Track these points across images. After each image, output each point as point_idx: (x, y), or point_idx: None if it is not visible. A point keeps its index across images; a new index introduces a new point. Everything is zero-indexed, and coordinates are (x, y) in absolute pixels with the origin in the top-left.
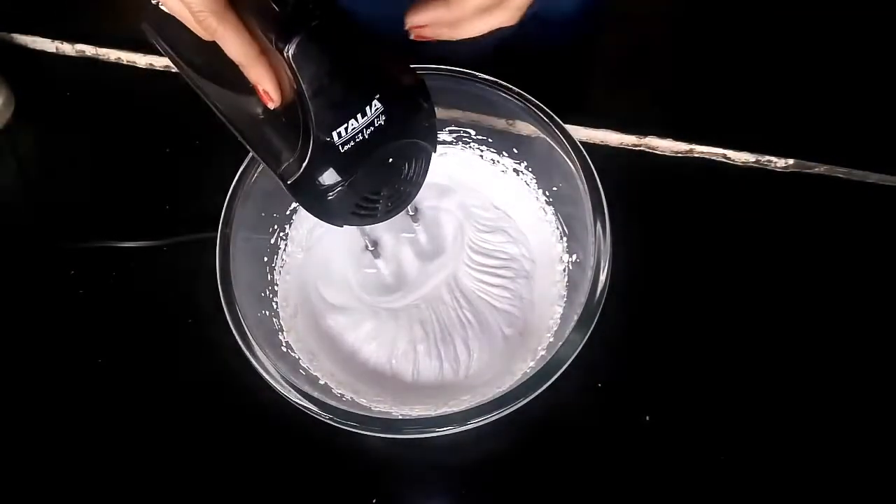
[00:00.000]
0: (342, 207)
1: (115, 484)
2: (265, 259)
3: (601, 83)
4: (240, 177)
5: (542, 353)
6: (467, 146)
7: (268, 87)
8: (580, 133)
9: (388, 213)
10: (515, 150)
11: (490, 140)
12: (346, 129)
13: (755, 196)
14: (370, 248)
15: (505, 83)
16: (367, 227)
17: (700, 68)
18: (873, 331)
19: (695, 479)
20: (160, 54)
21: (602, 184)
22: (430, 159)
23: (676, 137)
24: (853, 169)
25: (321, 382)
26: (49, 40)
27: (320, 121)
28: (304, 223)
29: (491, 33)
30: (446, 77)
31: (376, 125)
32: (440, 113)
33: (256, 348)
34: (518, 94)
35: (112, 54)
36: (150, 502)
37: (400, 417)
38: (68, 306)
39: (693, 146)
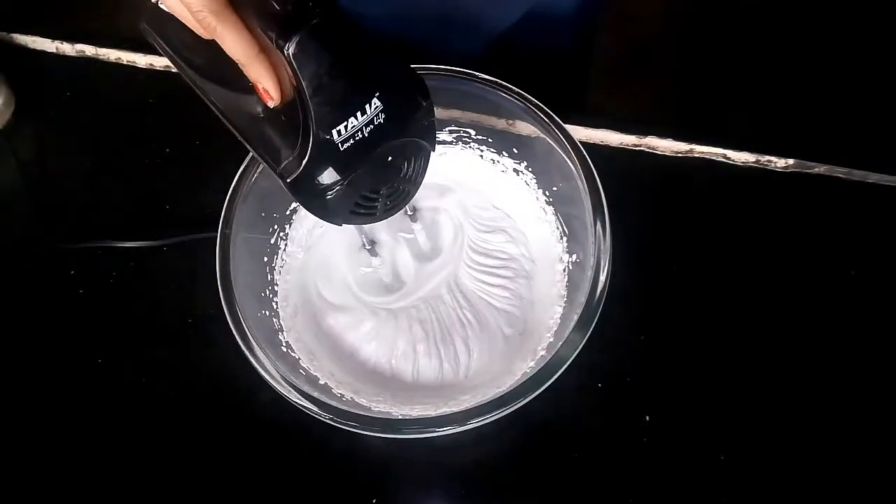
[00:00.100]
0: (341, 206)
1: (115, 484)
2: (265, 259)
3: (601, 83)
4: (240, 177)
5: (542, 353)
6: (467, 146)
7: (268, 86)
8: (580, 133)
9: (388, 212)
10: (515, 150)
11: (490, 140)
12: (346, 127)
13: (755, 196)
14: (368, 248)
15: (505, 83)
16: (367, 227)
17: (700, 68)
18: (873, 330)
19: (695, 479)
20: (160, 54)
21: (602, 184)
22: (429, 158)
23: (676, 137)
24: (853, 169)
25: (321, 382)
26: (49, 40)
27: (320, 119)
28: (304, 223)
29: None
30: (446, 77)
31: (376, 123)
32: (440, 113)
33: (256, 348)
34: (518, 94)
35: (112, 54)
36: (150, 502)
37: (400, 417)
38: (68, 306)
39: (693, 146)
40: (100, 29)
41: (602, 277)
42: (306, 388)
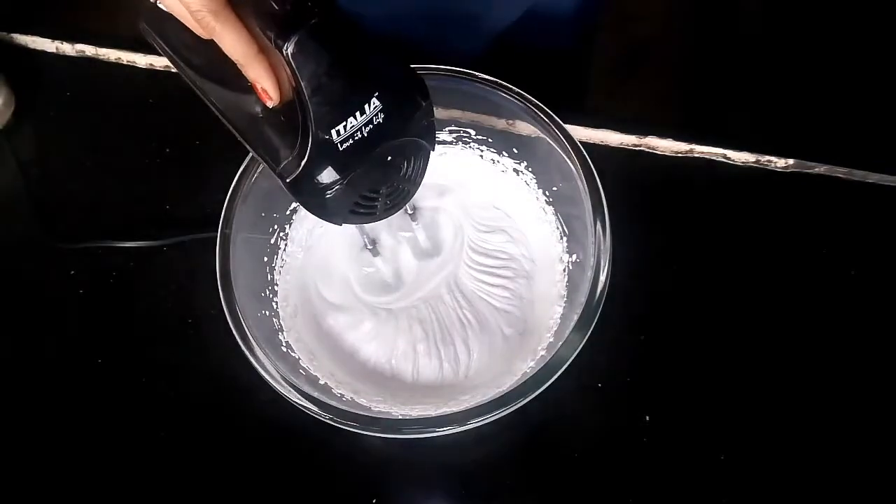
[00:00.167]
0: (341, 205)
1: (115, 484)
2: (265, 259)
3: (601, 83)
4: (240, 177)
5: (542, 353)
6: (467, 146)
7: (267, 86)
8: (580, 133)
9: (387, 212)
10: (515, 150)
11: (490, 140)
12: (345, 127)
13: (755, 196)
14: (369, 248)
15: (505, 83)
16: (367, 226)
17: (700, 68)
18: (873, 330)
19: (695, 479)
20: (160, 54)
21: (602, 184)
22: (428, 158)
23: (676, 137)
24: (853, 169)
25: (321, 382)
26: (49, 40)
27: (319, 119)
28: (304, 223)
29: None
30: (446, 77)
31: (375, 123)
32: (440, 113)
33: (256, 348)
34: (518, 94)
35: (112, 54)
36: (150, 502)
37: (400, 417)
38: (68, 306)
39: (693, 146)
40: (100, 29)
41: (602, 277)
42: (306, 388)
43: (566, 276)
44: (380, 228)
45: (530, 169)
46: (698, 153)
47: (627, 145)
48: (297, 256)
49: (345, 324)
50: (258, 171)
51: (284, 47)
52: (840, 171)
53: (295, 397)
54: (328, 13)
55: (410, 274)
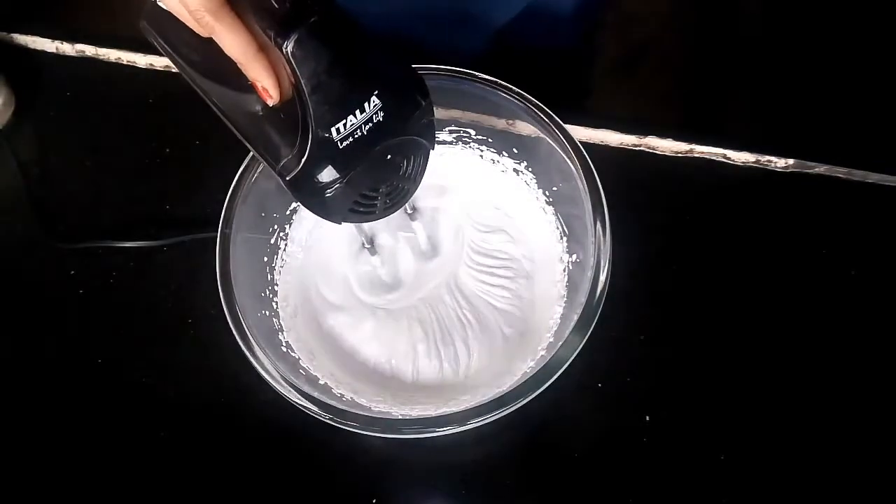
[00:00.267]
0: (340, 204)
1: (115, 484)
2: (265, 259)
3: (601, 83)
4: (240, 177)
5: (542, 353)
6: (467, 146)
7: (266, 84)
8: (580, 133)
9: (387, 211)
10: (515, 150)
11: (490, 140)
12: (345, 125)
13: (755, 196)
14: (366, 246)
15: (505, 83)
16: (366, 226)
17: (700, 68)
18: (873, 330)
19: (695, 479)
20: (160, 54)
21: (602, 184)
22: (428, 156)
23: (676, 137)
24: (853, 169)
25: (321, 382)
26: (49, 40)
27: (319, 117)
28: (304, 223)
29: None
30: (446, 77)
31: (375, 122)
32: (440, 113)
33: (256, 348)
34: (518, 94)
35: (112, 54)
36: (150, 502)
37: (400, 417)
38: (68, 306)
39: (693, 146)
40: (100, 29)
41: (602, 277)
42: (306, 388)
43: (566, 276)
44: (380, 228)
45: (530, 169)
46: (698, 153)
47: (627, 145)
48: (298, 256)
49: (345, 324)
50: (258, 171)
51: (284, 45)
52: (840, 171)
53: (295, 397)
54: (328, 11)
55: (410, 274)
